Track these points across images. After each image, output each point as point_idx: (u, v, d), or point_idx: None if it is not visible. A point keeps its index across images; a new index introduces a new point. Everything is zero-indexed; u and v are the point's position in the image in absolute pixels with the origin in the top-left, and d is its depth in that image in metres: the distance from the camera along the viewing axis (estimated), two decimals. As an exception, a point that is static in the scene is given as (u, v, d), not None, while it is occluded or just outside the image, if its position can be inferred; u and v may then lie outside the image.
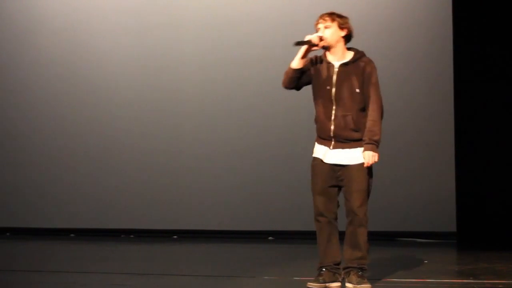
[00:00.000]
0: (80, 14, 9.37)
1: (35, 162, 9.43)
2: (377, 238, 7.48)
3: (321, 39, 5.43)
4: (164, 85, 9.13)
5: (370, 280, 5.57)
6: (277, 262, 7.21)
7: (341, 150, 5.43)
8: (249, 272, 6.50)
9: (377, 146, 5.34)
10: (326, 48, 5.48)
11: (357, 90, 5.39)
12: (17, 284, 6.18)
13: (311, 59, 5.53)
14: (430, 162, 8.47)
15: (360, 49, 5.59)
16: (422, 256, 7.19)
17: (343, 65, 5.44)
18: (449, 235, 8.34)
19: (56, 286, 6.07)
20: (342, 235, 5.51)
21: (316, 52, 5.52)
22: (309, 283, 5.52)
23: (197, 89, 9.08)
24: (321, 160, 5.49)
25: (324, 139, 5.48)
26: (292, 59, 5.48)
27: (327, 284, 5.49)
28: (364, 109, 5.39)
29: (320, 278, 5.49)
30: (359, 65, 5.44)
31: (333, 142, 5.44)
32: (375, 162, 5.36)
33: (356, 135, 5.39)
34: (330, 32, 5.44)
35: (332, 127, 5.42)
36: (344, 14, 5.56)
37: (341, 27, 5.47)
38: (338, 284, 5.51)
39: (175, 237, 9.04)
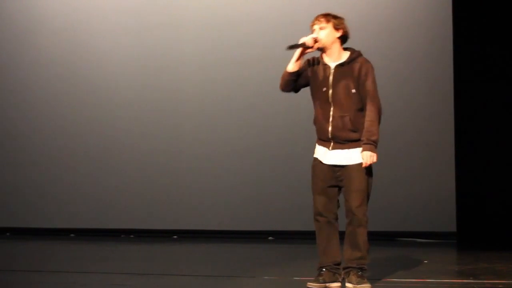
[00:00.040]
0: (80, 14, 9.37)
1: (35, 162, 9.43)
2: (377, 238, 7.49)
3: (315, 40, 5.42)
4: (164, 85, 9.13)
5: (370, 280, 5.57)
6: (277, 262, 7.21)
7: (340, 150, 5.43)
8: (249, 272, 6.50)
9: (376, 146, 5.34)
10: (322, 50, 5.47)
11: (354, 91, 5.39)
12: (17, 284, 6.18)
13: (308, 61, 5.54)
14: (430, 162, 8.47)
15: (360, 49, 5.59)
16: (422, 256, 7.18)
17: (339, 66, 5.44)
18: (449, 235, 8.34)
19: (56, 286, 6.07)
20: (342, 235, 5.51)
21: (314, 53, 5.52)
22: (309, 283, 5.52)
23: (197, 89, 9.08)
24: (321, 161, 5.49)
25: (323, 140, 5.49)
26: (289, 61, 5.48)
27: (327, 284, 5.49)
28: (362, 109, 5.38)
29: (320, 278, 5.49)
30: (355, 66, 5.43)
31: (332, 143, 5.44)
32: (374, 162, 5.36)
33: (354, 135, 5.39)
34: (325, 33, 5.43)
35: (330, 128, 5.42)
36: (340, 14, 5.54)
37: (336, 28, 5.46)
38: (338, 284, 5.50)
39: (175, 237, 9.04)
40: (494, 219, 8.21)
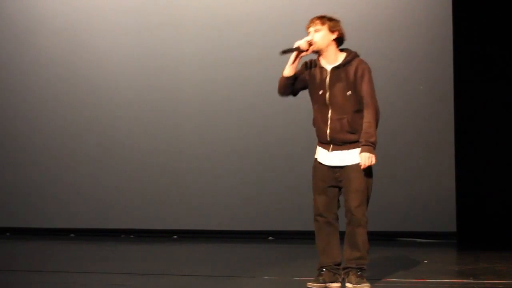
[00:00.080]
0: (80, 14, 9.37)
1: (35, 162, 9.43)
2: (377, 238, 7.49)
3: (310, 43, 5.41)
4: (164, 85, 9.13)
5: (370, 280, 5.57)
6: (277, 262, 7.21)
7: (340, 151, 5.43)
8: (249, 272, 6.50)
9: (374, 148, 5.33)
10: (318, 52, 5.46)
11: (350, 93, 5.38)
12: (17, 284, 6.18)
13: (306, 64, 5.54)
14: (430, 162, 8.47)
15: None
16: (422, 256, 7.18)
17: (335, 69, 5.43)
18: (449, 235, 8.34)
19: (56, 286, 6.07)
20: (343, 235, 5.51)
21: (311, 55, 5.51)
22: (309, 283, 5.52)
23: (197, 89, 9.08)
24: (321, 162, 5.50)
25: (323, 142, 5.50)
26: (286, 63, 5.49)
27: (327, 284, 5.49)
28: (360, 111, 5.37)
29: (320, 278, 5.50)
30: (351, 67, 5.41)
31: (331, 146, 5.45)
32: (373, 164, 5.35)
33: (353, 137, 5.39)
34: (320, 36, 5.43)
35: (328, 131, 5.43)
36: (336, 16, 5.52)
37: (331, 30, 5.44)
38: (338, 284, 5.50)
39: (175, 237, 9.04)
40: (494, 219, 8.21)
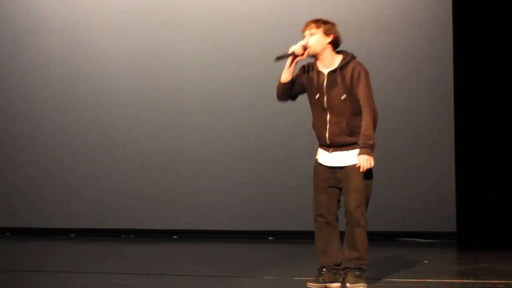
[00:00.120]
0: (80, 14, 9.37)
1: (35, 162, 9.43)
2: (377, 238, 7.49)
3: (305, 48, 5.41)
4: (164, 85, 9.13)
5: (370, 280, 5.57)
6: (277, 262, 7.21)
7: (339, 152, 5.44)
8: (249, 272, 6.50)
9: (372, 150, 5.33)
10: (314, 56, 5.46)
11: (347, 96, 5.37)
12: (17, 284, 6.18)
13: (303, 67, 5.55)
14: (430, 162, 8.47)
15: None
16: (422, 256, 7.18)
17: (332, 72, 5.43)
18: (449, 235, 8.34)
19: (56, 286, 6.07)
20: (343, 235, 5.51)
21: (309, 59, 5.51)
22: (309, 283, 5.52)
23: (197, 89, 9.08)
24: (321, 163, 5.52)
25: (323, 145, 5.51)
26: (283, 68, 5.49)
27: (327, 284, 5.49)
28: (358, 113, 5.37)
29: (320, 278, 5.50)
30: (347, 71, 5.40)
31: (331, 148, 5.46)
32: (372, 167, 5.34)
33: (352, 139, 5.39)
34: (315, 39, 5.41)
35: (327, 134, 5.44)
36: (332, 19, 5.49)
37: (326, 34, 5.42)
38: (338, 284, 5.50)
39: (175, 237, 9.04)
40: (494, 219, 8.21)
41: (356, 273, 5.41)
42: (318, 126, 5.49)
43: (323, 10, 8.60)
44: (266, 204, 8.82)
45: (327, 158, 5.48)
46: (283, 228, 8.80)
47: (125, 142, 9.22)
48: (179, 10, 9.15)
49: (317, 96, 5.44)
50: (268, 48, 8.52)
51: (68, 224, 9.32)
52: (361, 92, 5.35)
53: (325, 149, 5.49)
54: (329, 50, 5.44)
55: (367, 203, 5.44)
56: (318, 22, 5.44)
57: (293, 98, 5.61)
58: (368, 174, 5.39)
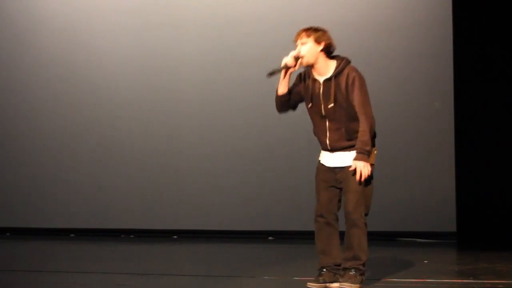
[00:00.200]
0: (80, 14, 9.37)
1: (35, 162, 9.43)
2: (377, 238, 7.50)
3: (296, 58, 5.41)
4: (164, 85, 9.13)
5: (370, 280, 5.57)
6: (277, 262, 7.21)
7: (341, 153, 5.46)
8: (249, 272, 6.50)
9: (369, 156, 5.35)
10: (308, 66, 5.45)
11: (345, 102, 5.38)
12: (17, 284, 6.18)
13: (300, 76, 5.56)
14: (430, 162, 8.47)
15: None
16: (422, 256, 7.18)
17: (327, 80, 5.43)
18: (449, 235, 8.34)
19: (56, 286, 6.07)
20: (343, 235, 5.51)
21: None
22: (309, 283, 5.52)
23: (197, 89, 9.08)
24: (323, 164, 5.55)
25: (324, 149, 5.54)
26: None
27: (327, 284, 5.49)
28: (356, 119, 5.37)
29: (320, 278, 5.50)
30: (342, 77, 5.39)
31: (331, 152, 5.48)
32: (369, 173, 5.34)
33: (352, 143, 5.41)
34: (307, 49, 5.41)
35: (328, 141, 5.47)
36: (324, 26, 5.47)
37: (317, 42, 5.41)
38: (338, 284, 5.50)
39: (175, 237, 9.04)
40: (494, 219, 8.20)
41: (351, 273, 5.41)
42: (318, 133, 5.52)
43: (323, 10, 8.65)
44: (266, 204, 8.81)
45: (328, 158, 5.51)
46: (283, 228, 8.79)
47: (125, 142, 9.22)
48: (179, 10, 9.15)
49: (314, 104, 5.46)
50: (268, 48, 8.61)
51: (68, 224, 9.32)
52: (356, 99, 5.35)
53: (326, 152, 5.52)
54: (322, 58, 5.44)
55: (368, 205, 5.44)
56: (309, 31, 5.43)
57: (293, 107, 5.65)
58: (368, 175, 5.39)
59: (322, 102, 5.43)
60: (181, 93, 9.10)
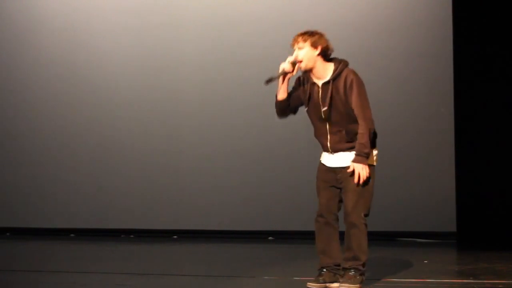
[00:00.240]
0: (80, 14, 9.37)
1: (35, 162, 9.43)
2: (377, 238, 7.50)
3: (293, 64, 5.41)
4: (164, 85, 9.13)
5: (370, 280, 5.57)
6: (277, 262, 7.21)
7: (341, 153, 5.46)
8: (249, 272, 6.50)
9: (367, 158, 5.35)
10: (306, 70, 5.45)
11: (344, 105, 5.38)
12: (17, 284, 6.18)
13: (299, 79, 5.57)
14: (430, 162, 8.47)
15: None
16: (422, 256, 7.18)
17: (325, 84, 5.43)
18: (449, 235, 8.34)
19: (56, 286, 6.07)
20: (343, 235, 5.51)
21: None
22: (309, 283, 5.53)
23: (197, 89, 9.08)
24: (324, 164, 5.56)
25: (325, 151, 5.55)
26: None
27: (327, 285, 5.49)
28: (356, 121, 5.38)
29: (320, 278, 5.50)
30: (340, 81, 5.39)
31: (333, 154, 5.49)
32: (367, 175, 5.34)
33: (353, 144, 5.42)
34: (303, 53, 5.41)
35: (329, 144, 5.48)
36: (320, 30, 5.47)
37: (314, 46, 5.40)
38: (338, 284, 5.50)
39: (175, 237, 9.04)
40: (494, 219, 8.20)
41: (351, 273, 5.41)
42: (319, 136, 5.54)
43: (323, 10, 8.65)
44: (266, 204, 8.81)
45: (329, 159, 5.52)
46: (283, 228, 8.79)
47: (125, 142, 9.22)
48: (179, 10, 9.15)
49: (314, 108, 5.47)
50: (268, 48, 8.62)
51: (68, 224, 9.32)
52: (354, 102, 5.36)
53: (327, 153, 5.52)
54: (320, 62, 5.44)
55: (368, 205, 5.44)
56: (305, 36, 5.43)
57: (294, 112, 5.66)
58: (368, 176, 5.39)
59: (321, 105, 5.44)
60: (181, 93, 9.10)
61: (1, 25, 9.61)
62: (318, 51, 5.41)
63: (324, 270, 5.52)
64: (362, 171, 5.32)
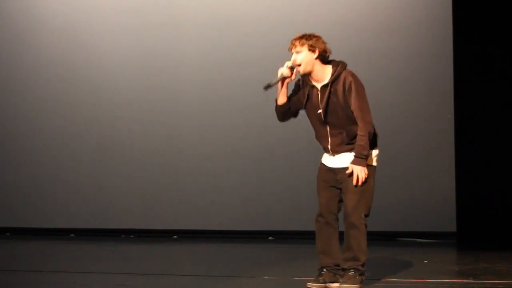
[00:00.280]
0: (80, 14, 9.37)
1: (35, 162, 9.43)
2: (377, 238, 7.50)
3: (291, 68, 5.41)
4: (164, 85, 9.13)
5: (370, 280, 5.57)
6: (277, 262, 7.21)
7: (341, 154, 5.47)
8: (249, 272, 6.50)
9: (366, 160, 5.36)
10: (305, 74, 5.45)
11: (343, 108, 5.39)
12: (17, 284, 6.18)
13: (298, 83, 5.57)
14: (430, 162, 8.47)
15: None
16: (422, 256, 7.19)
17: (324, 87, 5.43)
18: (449, 235, 8.34)
19: (56, 286, 6.07)
20: (342, 235, 5.51)
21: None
22: (309, 283, 5.53)
23: (197, 89, 9.08)
24: (325, 164, 5.57)
25: (326, 152, 5.55)
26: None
27: (327, 284, 5.50)
28: (356, 122, 5.38)
29: (320, 278, 5.51)
30: (339, 83, 5.39)
31: (333, 154, 5.50)
32: (366, 175, 5.34)
33: (353, 146, 5.42)
34: (301, 57, 5.41)
35: (330, 146, 5.49)
36: (317, 33, 5.46)
37: (311, 50, 5.40)
38: (338, 284, 5.50)
39: (175, 237, 9.04)
40: (494, 219, 8.21)
41: (350, 273, 5.42)
42: (320, 138, 5.55)
43: (323, 10, 8.66)
44: (266, 204, 8.81)
45: (329, 160, 5.53)
46: (283, 228, 8.79)
47: (125, 142, 9.22)
48: (179, 10, 9.15)
49: (314, 111, 5.47)
50: (268, 48, 8.62)
51: (68, 224, 9.32)
52: (353, 104, 5.36)
53: (328, 154, 5.54)
54: (318, 65, 5.44)
55: (369, 206, 5.44)
56: (302, 39, 5.42)
57: (295, 115, 5.66)
58: (368, 176, 5.39)
59: (321, 108, 5.44)
60: (181, 93, 9.10)
61: (1, 25, 9.61)
62: (316, 54, 5.41)
63: (324, 270, 5.52)
64: (360, 173, 5.33)
